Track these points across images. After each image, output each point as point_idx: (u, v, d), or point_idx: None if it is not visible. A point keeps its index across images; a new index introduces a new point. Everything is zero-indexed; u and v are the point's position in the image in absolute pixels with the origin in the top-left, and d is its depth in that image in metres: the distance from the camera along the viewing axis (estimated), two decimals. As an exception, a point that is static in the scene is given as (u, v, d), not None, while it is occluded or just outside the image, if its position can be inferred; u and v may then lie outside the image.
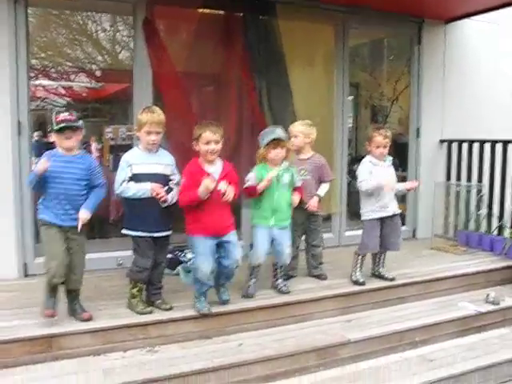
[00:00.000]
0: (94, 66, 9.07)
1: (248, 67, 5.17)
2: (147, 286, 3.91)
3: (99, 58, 8.80)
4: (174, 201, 3.79)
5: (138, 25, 4.86)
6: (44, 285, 3.59)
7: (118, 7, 5.12)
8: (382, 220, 4.53)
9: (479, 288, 5.00)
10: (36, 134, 8.94)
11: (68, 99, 9.66)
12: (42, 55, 8.77)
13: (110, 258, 4.89)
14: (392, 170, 4.61)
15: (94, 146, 7.15)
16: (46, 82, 8.91)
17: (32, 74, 8.56)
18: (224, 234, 3.82)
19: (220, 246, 3.86)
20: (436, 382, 3.63)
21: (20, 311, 3.78)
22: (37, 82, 8.81)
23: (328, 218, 5.98)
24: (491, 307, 4.57)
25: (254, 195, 4.10)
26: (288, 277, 4.63)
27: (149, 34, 4.80)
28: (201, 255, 3.77)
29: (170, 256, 4.77)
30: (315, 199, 4.57)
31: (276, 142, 4.08)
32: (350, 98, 8.88)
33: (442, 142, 6.42)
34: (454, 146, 6.32)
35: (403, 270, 4.97)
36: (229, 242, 3.85)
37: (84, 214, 3.55)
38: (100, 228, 5.57)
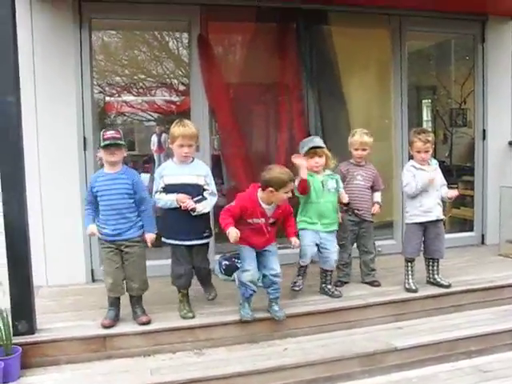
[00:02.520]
0: (174, 81, 9.53)
1: (299, 77, 5.26)
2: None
3: (178, 72, 9.23)
4: (207, 210, 3.95)
5: (192, 41, 5.09)
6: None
7: (174, 25, 5.39)
8: (425, 226, 4.45)
9: (548, 298, 4.71)
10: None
11: (152, 113, 10.21)
12: (126, 72, 9.35)
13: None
14: (438, 173, 4.51)
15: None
16: (130, 97, 9.49)
17: (114, 91, 9.19)
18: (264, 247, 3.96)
19: (260, 255, 3.96)
20: (487, 394, 3.52)
21: (83, 313, 4.10)
22: (120, 99, 9.41)
23: (390, 225, 5.91)
24: (558, 318, 4.32)
25: (305, 189, 4.14)
26: (341, 283, 4.67)
27: (202, 49, 5.01)
28: (246, 258, 3.90)
29: (226, 263, 4.97)
30: (377, 206, 4.68)
31: (314, 151, 4.17)
32: (427, 101, 8.74)
33: (511, 143, 6.11)
34: (524, 147, 6.00)
35: (463, 276, 4.83)
36: (268, 251, 3.96)
37: (150, 237, 3.88)
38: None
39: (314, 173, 4.23)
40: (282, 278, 4.01)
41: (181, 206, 3.83)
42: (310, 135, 4.96)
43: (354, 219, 4.63)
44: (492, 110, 6.09)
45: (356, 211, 4.61)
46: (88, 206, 3.89)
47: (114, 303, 3.90)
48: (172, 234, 3.94)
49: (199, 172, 3.99)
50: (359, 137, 4.56)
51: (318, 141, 4.24)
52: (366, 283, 4.68)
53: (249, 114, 5.47)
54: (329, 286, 4.42)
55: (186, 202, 3.82)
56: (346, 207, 4.60)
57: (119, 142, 3.79)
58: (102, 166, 3.98)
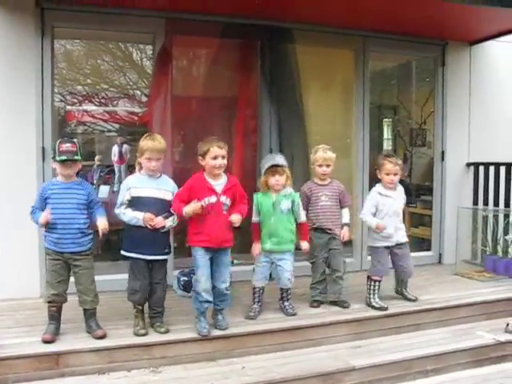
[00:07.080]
0: (137, 92, 9.43)
1: (257, 95, 5.29)
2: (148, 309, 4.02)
3: (142, 84, 9.15)
4: (174, 225, 3.91)
5: (156, 53, 5.02)
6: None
7: (139, 37, 5.34)
8: (389, 247, 4.54)
9: (501, 317, 4.77)
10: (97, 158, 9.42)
11: (113, 124, 10.07)
12: (89, 81, 9.21)
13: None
14: (402, 200, 4.62)
15: (137, 169, 7.42)
16: (92, 107, 9.33)
17: (75, 100, 9.03)
18: (220, 247, 3.89)
19: (214, 264, 3.92)
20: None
21: (34, 329, 3.92)
22: (81, 108, 9.25)
23: (349, 243, 5.93)
24: (511, 337, 4.39)
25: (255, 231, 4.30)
26: (317, 303, 4.58)
27: (162, 62, 4.96)
28: (200, 267, 3.86)
29: (185, 278, 4.87)
30: (346, 229, 4.60)
31: (274, 169, 4.17)
32: (388, 120, 8.91)
33: (468, 165, 6.29)
34: (481, 169, 6.16)
35: (422, 296, 4.84)
36: (220, 260, 3.93)
37: (102, 222, 3.77)
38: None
39: (274, 192, 4.24)
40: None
41: (146, 226, 3.78)
42: (261, 153, 4.99)
43: (322, 236, 4.54)
44: (451, 132, 6.25)
45: (327, 230, 4.55)
46: (35, 211, 3.78)
47: (55, 317, 3.80)
48: (134, 247, 3.87)
49: (167, 187, 3.96)
50: (322, 153, 4.52)
51: (278, 159, 4.23)
52: (333, 302, 4.60)
53: (199, 128, 5.42)
54: (285, 304, 4.39)
55: (154, 221, 3.79)
56: (313, 227, 4.55)
57: (76, 157, 3.72)
58: (57, 175, 3.88)
